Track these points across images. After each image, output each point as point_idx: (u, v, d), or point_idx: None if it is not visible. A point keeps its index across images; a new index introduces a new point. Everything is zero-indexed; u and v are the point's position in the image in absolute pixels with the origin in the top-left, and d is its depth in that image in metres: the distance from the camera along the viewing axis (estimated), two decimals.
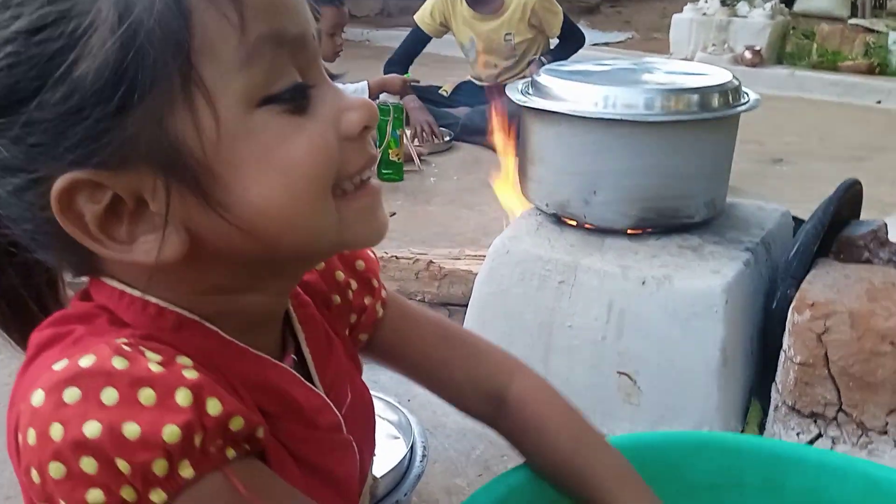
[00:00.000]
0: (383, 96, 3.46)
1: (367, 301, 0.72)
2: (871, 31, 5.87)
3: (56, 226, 0.49)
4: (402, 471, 1.29)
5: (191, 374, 0.47)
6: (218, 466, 0.47)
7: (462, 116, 3.79)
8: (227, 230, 0.50)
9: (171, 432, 0.45)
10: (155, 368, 0.46)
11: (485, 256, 1.78)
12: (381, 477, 1.24)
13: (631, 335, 1.59)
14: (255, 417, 0.50)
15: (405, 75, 3.44)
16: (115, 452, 0.44)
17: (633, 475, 0.76)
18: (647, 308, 1.57)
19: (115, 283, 0.53)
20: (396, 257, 2.03)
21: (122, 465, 0.44)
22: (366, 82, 3.31)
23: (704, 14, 5.63)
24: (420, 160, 3.47)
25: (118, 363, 0.46)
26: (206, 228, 0.50)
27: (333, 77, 0.56)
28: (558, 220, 1.77)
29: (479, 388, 0.77)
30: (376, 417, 1.50)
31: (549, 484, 0.79)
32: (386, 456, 1.33)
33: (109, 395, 0.45)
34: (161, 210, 0.49)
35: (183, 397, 0.46)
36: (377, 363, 0.78)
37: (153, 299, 0.52)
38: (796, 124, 4.32)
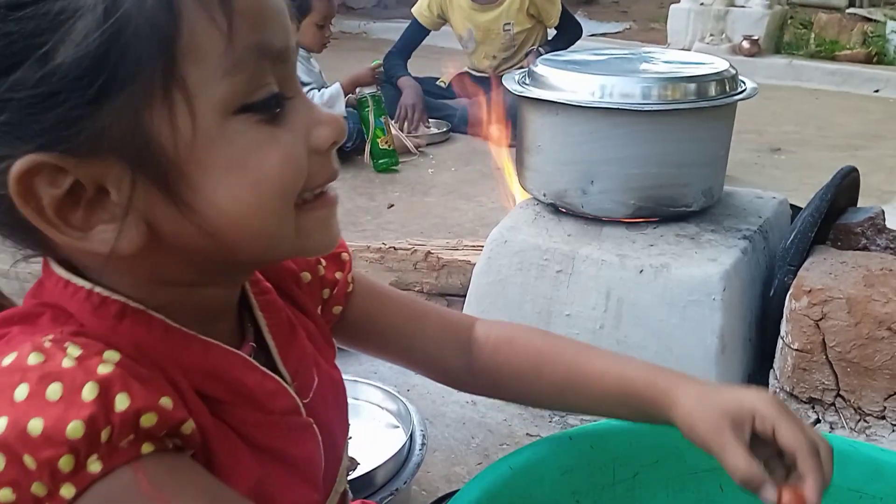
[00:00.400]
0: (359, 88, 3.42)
1: (338, 275, 0.73)
2: (869, 20, 5.88)
3: (9, 203, 0.48)
4: (402, 459, 1.30)
5: (105, 369, 0.46)
6: (129, 461, 0.46)
7: (460, 108, 3.79)
8: (189, 229, 0.50)
9: (74, 427, 0.44)
10: (67, 364, 0.46)
11: (483, 247, 1.78)
12: (380, 465, 1.25)
13: (629, 323, 1.60)
14: (178, 413, 0.49)
15: (373, 63, 3.43)
16: (22, 449, 0.44)
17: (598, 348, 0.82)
18: (645, 296, 1.58)
19: (61, 272, 0.53)
20: (395, 248, 2.03)
21: (29, 460, 0.44)
22: (338, 84, 3.30)
23: (702, 4, 5.62)
24: (417, 147, 3.48)
25: (33, 359, 0.46)
26: (167, 224, 0.50)
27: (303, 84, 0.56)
28: (556, 209, 1.77)
29: (449, 344, 0.80)
30: (375, 407, 1.52)
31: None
32: (385, 445, 1.34)
33: (20, 391, 0.45)
34: (122, 201, 0.48)
35: (89, 391, 0.45)
36: (349, 344, 0.78)
37: (98, 289, 0.52)
38: (794, 114, 4.32)
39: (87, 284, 0.52)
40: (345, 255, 0.75)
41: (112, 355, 0.48)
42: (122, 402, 0.46)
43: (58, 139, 0.46)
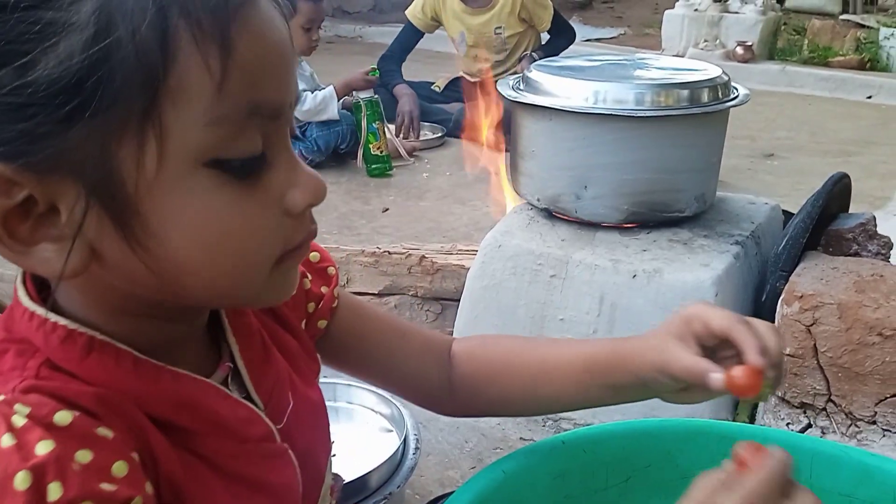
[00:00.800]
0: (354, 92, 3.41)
1: (323, 289, 0.73)
2: (862, 26, 5.91)
3: None
4: (395, 463, 1.30)
5: (44, 449, 0.45)
6: None
7: (454, 113, 3.80)
8: (136, 265, 0.49)
9: None
10: (6, 443, 0.45)
11: (477, 251, 1.79)
12: (374, 469, 1.25)
13: (622, 328, 1.60)
14: (123, 493, 0.46)
15: (370, 67, 3.43)
16: None
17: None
18: (638, 301, 1.58)
19: (27, 303, 0.52)
20: (389, 252, 2.03)
21: None
22: (332, 87, 3.29)
23: (696, 10, 5.65)
24: (410, 154, 3.48)
25: None
26: (113, 256, 0.48)
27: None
28: (550, 214, 1.78)
29: (430, 361, 0.80)
30: (369, 411, 1.52)
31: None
32: (379, 449, 1.35)
33: None
34: (72, 224, 0.47)
35: (21, 481, 0.43)
36: (329, 361, 0.77)
37: (63, 321, 0.51)
38: (787, 119, 4.34)
39: (51, 316, 0.51)
40: (331, 269, 0.74)
41: (63, 417, 0.46)
42: (54, 493, 0.44)
43: (19, 152, 0.45)
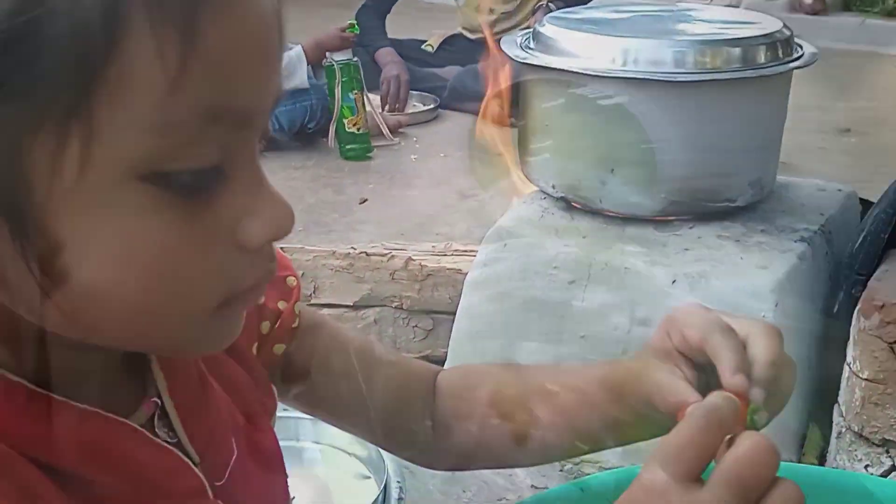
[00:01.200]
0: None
1: (281, 305, 0.72)
2: None
3: None
4: None
5: None
6: None
7: (451, 79, 3.80)
8: (34, 289, 0.47)
9: None
10: None
11: (476, 252, 1.79)
12: None
13: None
14: None
15: (348, 22, 3.42)
16: None
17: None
18: None
19: None
20: (367, 254, 2.04)
21: None
22: (300, 47, 3.27)
23: None
24: (395, 132, 3.47)
25: None
26: (10, 277, 0.47)
27: None
28: (568, 205, 1.78)
29: (412, 398, 0.80)
30: (341, 453, 1.52)
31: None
32: (353, 500, 1.35)
33: None
34: None
35: None
36: (288, 399, 0.76)
37: None
38: (867, 86, 4.35)
39: None
40: (291, 279, 0.73)
41: None
42: None
43: None
